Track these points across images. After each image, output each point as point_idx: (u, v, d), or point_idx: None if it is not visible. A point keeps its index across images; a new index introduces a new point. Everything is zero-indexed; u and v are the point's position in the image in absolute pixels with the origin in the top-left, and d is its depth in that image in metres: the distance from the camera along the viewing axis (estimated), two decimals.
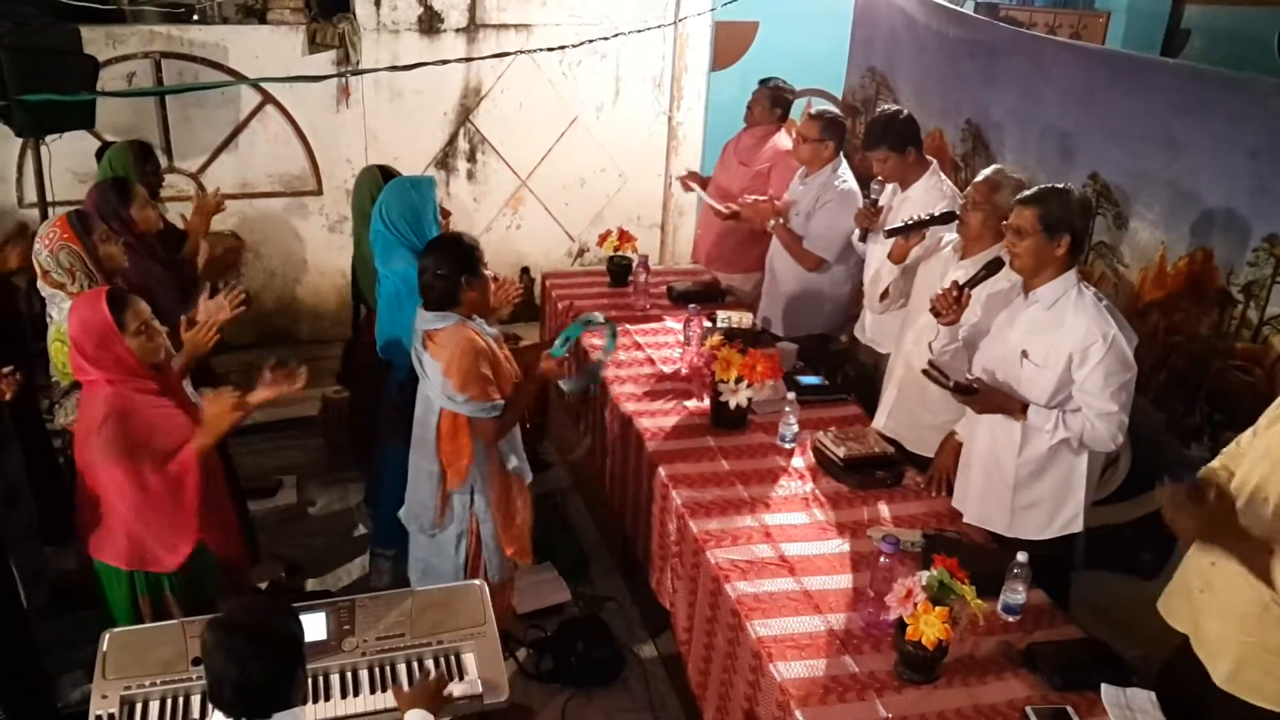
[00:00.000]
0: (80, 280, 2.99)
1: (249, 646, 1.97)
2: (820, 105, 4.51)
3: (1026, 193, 2.82)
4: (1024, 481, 2.89)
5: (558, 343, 3.13)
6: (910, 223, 3.40)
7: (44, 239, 3.04)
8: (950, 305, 2.93)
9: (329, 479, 4.59)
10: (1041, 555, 2.80)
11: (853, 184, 4.19)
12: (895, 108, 3.85)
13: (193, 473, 2.63)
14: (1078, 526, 2.90)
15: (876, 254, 3.73)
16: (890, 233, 3.47)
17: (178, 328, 3.05)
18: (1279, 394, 2.48)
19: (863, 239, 3.87)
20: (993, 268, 2.95)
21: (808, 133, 4.17)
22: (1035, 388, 2.80)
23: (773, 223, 4.27)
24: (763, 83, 4.69)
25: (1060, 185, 2.85)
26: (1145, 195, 3.45)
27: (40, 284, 3.08)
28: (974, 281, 2.95)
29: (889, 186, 3.81)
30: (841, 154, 4.23)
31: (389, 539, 3.83)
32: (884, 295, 3.64)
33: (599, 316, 3.26)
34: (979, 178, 3.22)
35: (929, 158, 3.78)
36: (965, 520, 3.01)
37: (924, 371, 2.97)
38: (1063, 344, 2.73)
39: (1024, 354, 2.81)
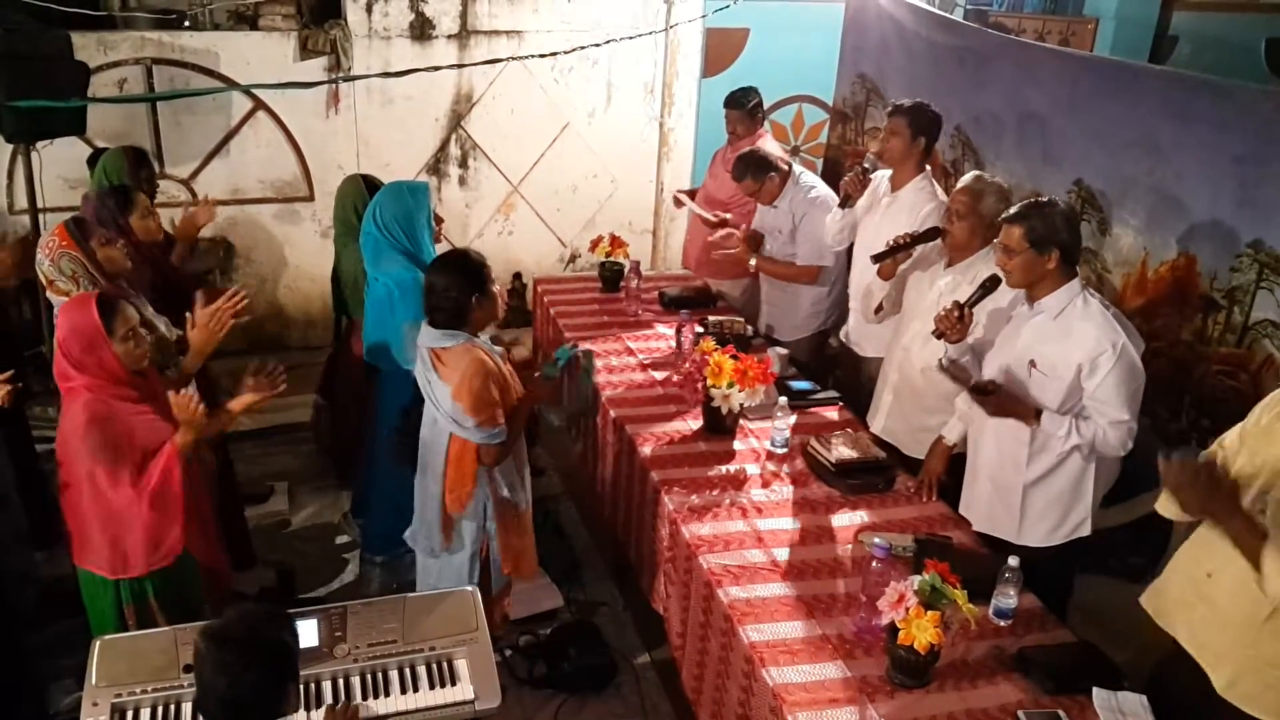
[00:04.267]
0: (84, 286, 3.00)
1: (239, 662, 1.95)
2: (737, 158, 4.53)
3: (1011, 211, 2.83)
4: (1033, 488, 2.89)
5: (548, 368, 3.08)
6: (894, 245, 3.43)
7: (44, 248, 3.05)
8: (953, 325, 2.93)
9: (320, 485, 4.58)
10: (1046, 560, 2.83)
11: (822, 188, 4.28)
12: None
13: (175, 469, 2.62)
14: (1085, 531, 2.91)
15: (866, 275, 3.76)
16: (876, 258, 3.51)
17: (184, 336, 3.08)
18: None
19: (843, 205, 3.89)
20: (989, 286, 2.95)
21: (749, 190, 4.27)
22: (1044, 397, 2.80)
23: (753, 262, 4.32)
24: (729, 104, 4.71)
25: (1043, 199, 2.86)
26: (1130, 201, 3.48)
27: (48, 293, 3.08)
28: (973, 301, 2.96)
29: (881, 174, 3.83)
30: (793, 168, 4.30)
31: (378, 546, 3.82)
32: (879, 309, 3.66)
33: (567, 351, 3.15)
34: (960, 186, 3.24)
35: (926, 166, 3.81)
36: (974, 529, 3.01)
37: (941, 368, 2.98)
38: (1071, 354, 2.73)
39: (1032, 363, 2.82)
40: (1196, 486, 2.25)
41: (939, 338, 2.98)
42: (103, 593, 2.72)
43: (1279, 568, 2.14)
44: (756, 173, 4.22)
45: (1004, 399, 2.85)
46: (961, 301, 2.95)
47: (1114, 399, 2.70)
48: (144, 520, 2.62)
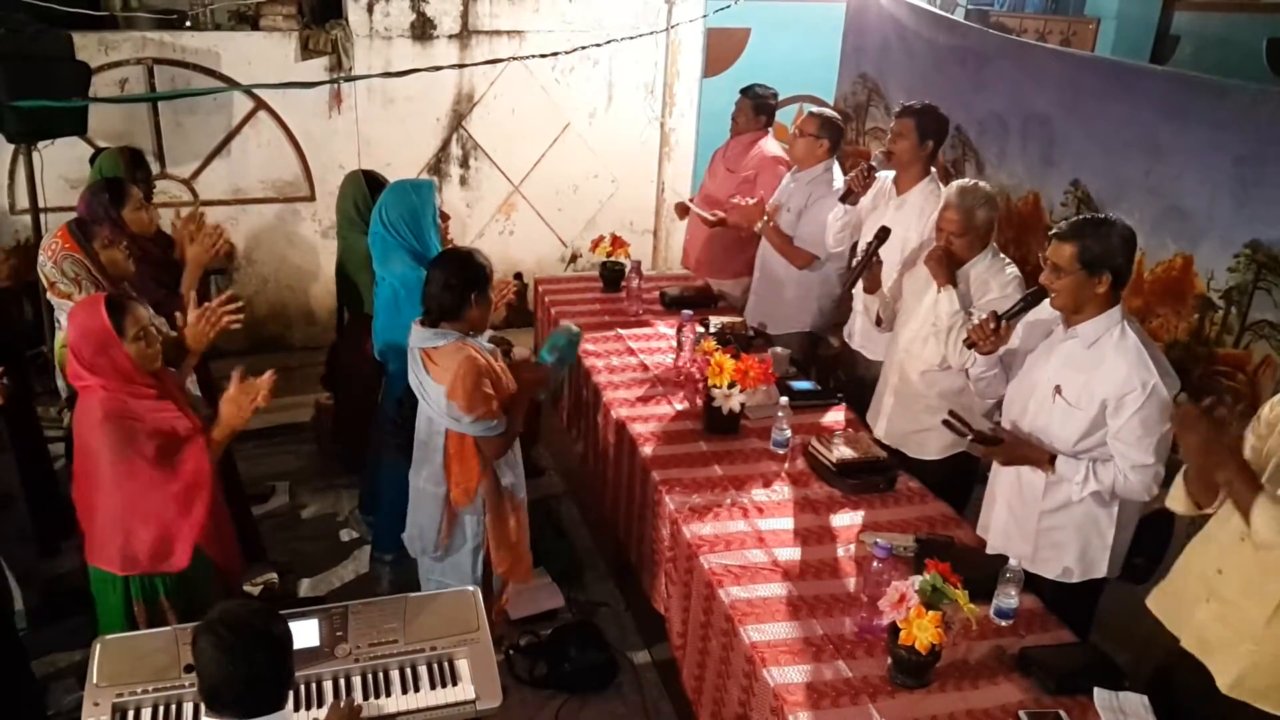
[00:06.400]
0: (87, 289, 3.00)
1: (252, 643, 1.98)
2: (815, 109, 4.57)
3: (1064, 226, 2.65)
4: (1050, 516, 2.78)
5: (545, 351, 3.13)
6: (854, 268, 3.52)
7: (47, 250, 3.05)
8: (987, 337, 2.80)
9: (321, 484, 4.58)
10: (1065, 596, 2.76)
11: (842, 185, 4.22)
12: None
13: (206, 469, 2.64)
14: (1101, 572, 2.79)
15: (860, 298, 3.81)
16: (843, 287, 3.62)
17: (179, 332, 3.07)
18: (1263, 399, 2.48)
19: (843, 200, 3.87)
20: (1031, 300, 2.79)
21: (806, 127, 4.21)
22: (1066, 426, 2.67)
23: (760, 225, 4.29)
24: (744, 91, 4.71)
25: (1101, 217, 2.68)
26: (1126, 202, 3.47)
27: (49, 295, 3.08)
28: (1013, 314, 2.81)
29: (886, 175, 3.83)
30: (835, 157, 4.26)
31: (388, 544, 3.83)
32: (878, 320, 3.65)
33: (562, 335, 3.17)
34: (948, 204, 3.19)
35: (933, 168, 3.80)
36: (989, 550, 2.94)
37: (944, 422, 2.85)
38: (1099, 387, 2.60)
39: (1057, 389, 2.68)
40: (1199, 429, 2.17)
41: (970, 347, 2.87)
42: (112, 590, 2.71)
43: (1268, 516, 2.10)
44: (823, 128, 4.17)
45: (1012, 447, 2.73)
46: (1000, 313, 2.81)
47: (1138, 442, 2.56)
48: (165, 516, 2.62)
